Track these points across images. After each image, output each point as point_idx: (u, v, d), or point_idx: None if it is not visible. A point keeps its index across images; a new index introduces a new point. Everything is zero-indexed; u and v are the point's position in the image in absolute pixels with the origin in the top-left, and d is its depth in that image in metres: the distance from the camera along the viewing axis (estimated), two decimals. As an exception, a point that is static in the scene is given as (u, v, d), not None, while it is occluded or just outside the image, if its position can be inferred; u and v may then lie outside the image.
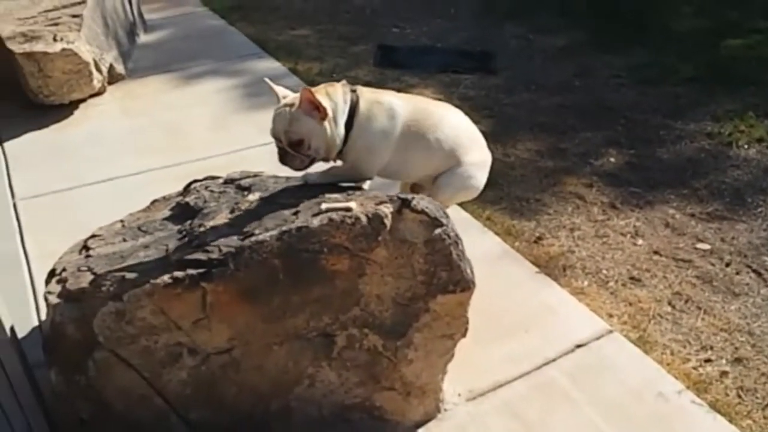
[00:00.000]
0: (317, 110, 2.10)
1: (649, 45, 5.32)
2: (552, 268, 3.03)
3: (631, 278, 3.00)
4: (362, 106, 2.22)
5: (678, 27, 5.66)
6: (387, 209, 1.96)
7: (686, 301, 2.87)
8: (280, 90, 2.22)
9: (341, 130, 2.19)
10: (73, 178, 3.62)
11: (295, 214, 1.98)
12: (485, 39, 5.58)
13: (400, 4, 6.40)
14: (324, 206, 1.96)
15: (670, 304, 2.86)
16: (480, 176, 2.50)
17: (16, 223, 3.29)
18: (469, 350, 2.36)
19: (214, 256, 1.88)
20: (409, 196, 2.02)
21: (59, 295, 1.95)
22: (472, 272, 2.07)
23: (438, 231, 1.99)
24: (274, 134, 2.16)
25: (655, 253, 3.16)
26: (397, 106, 2.28)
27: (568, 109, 4.47)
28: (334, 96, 2.17)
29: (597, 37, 5.52)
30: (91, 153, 3.87)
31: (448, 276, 2.03)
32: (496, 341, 2.56)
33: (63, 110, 4.29)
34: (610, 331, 2.63)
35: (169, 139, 3.99)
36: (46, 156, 3.86)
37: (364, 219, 1.93)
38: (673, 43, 5.33)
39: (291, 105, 2.13)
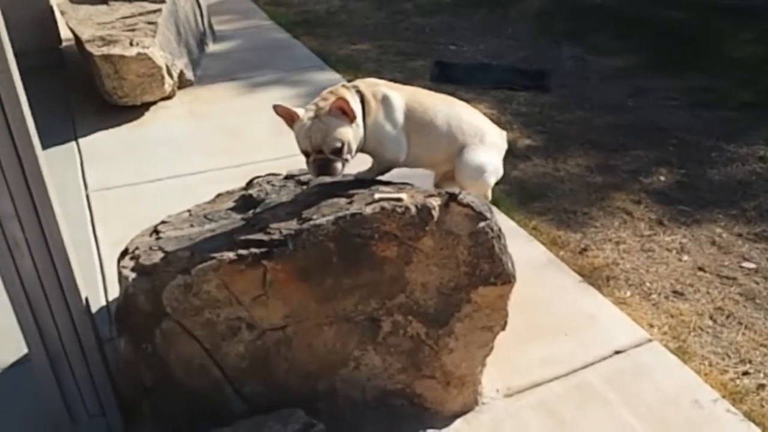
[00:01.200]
0: (345, 114, 2.24)
1: (705, 70, 5.34)
2: (596, 278, 3.09)
3: (674, 292, 3.05)
4: (368, 101, 2.38)
5: (736, 53, 5.66)
6: (435, 202, 2.09)
7: (728, 316, 2.90)
8: (299, 110, 2.30)
9: (362, 128, 2.35)
10: (142, 174, 3.84)
11: (350, 203, 2.13)
12: (541, 58, 5.68)
13: (458, 23, 6.54)
14: (377, 196, 2.10)
15: (711, 318, 2.89)
16: (488, 156, 2.62)
17: (88, 212, 3.52)
18: (509, 350, 2.46)
19: (275, 237, 2.03)
20: (456, 191, 2.14)
21: (132, 269, 2.12)
22: (513, 266, 2.17)
23: (482, 224, 2.10)
24: (313, 147, 2.23)
25: (700, 269, 3.20)
26: (394, 95, 2.45)
27: (621, 128, 4.53)
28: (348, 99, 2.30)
29: (653, 60, 5.56)
30: (159, 151, 4.11)
31: (490, 268, 2.13)
32: (536, 343, 2.64)
33: (135, 111, 4.55)
34: (650, 340, 2.68)
35: (233, 142, 4.19)
36: (117, 152, 4.11)
37: (413, 209, 2.06)
38: (730, 68, 5.33)
39: (316, 117, 2.24)
